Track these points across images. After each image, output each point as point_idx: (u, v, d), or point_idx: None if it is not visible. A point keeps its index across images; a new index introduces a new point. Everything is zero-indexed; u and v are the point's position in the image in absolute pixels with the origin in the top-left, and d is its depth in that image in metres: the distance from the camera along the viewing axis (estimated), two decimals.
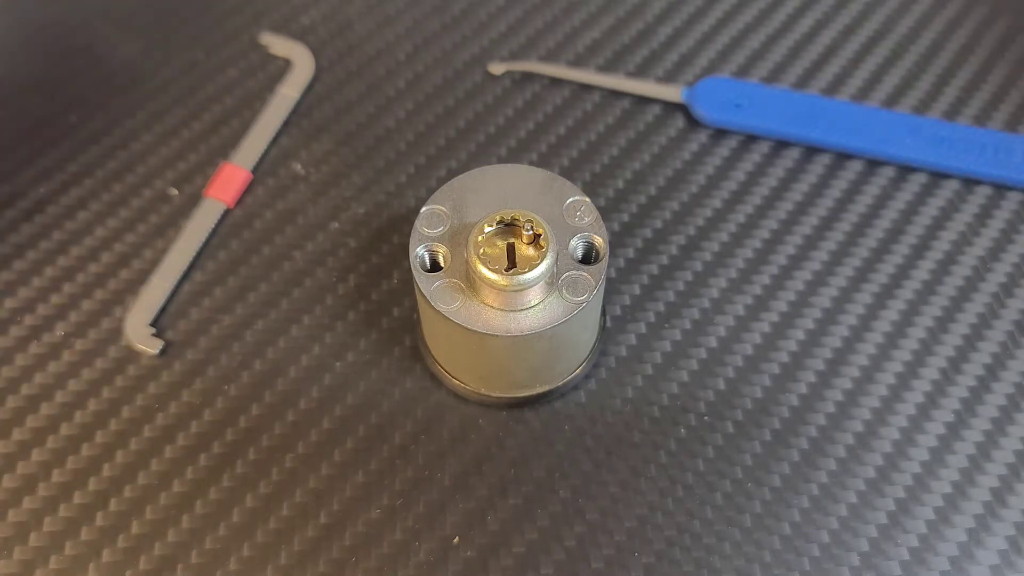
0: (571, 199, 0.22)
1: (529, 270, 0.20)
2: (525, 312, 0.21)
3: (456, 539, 0.22)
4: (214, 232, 0.27)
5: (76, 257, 0.27)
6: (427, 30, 0.32)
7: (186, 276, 0.27)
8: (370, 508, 0.23)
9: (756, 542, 0.22)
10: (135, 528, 0.23)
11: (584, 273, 0.21)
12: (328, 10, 0.32)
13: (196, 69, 0.31)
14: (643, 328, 0.26)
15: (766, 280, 0.27)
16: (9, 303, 0.26)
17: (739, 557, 0.22)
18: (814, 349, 0.25)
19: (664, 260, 0.27)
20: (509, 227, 0.21)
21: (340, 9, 0.32)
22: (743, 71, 0.31)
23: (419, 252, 0.22)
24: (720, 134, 0.30)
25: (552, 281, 0.21)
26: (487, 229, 0.21)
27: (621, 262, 0.27)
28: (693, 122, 0.30)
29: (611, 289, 0.26)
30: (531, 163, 0.29)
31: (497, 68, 0.31)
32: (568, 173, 0.29)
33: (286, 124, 0.30)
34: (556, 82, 0.31)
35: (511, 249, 0.21)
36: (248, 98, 0.30)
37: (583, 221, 0.22)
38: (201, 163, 0.29)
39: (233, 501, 0.23)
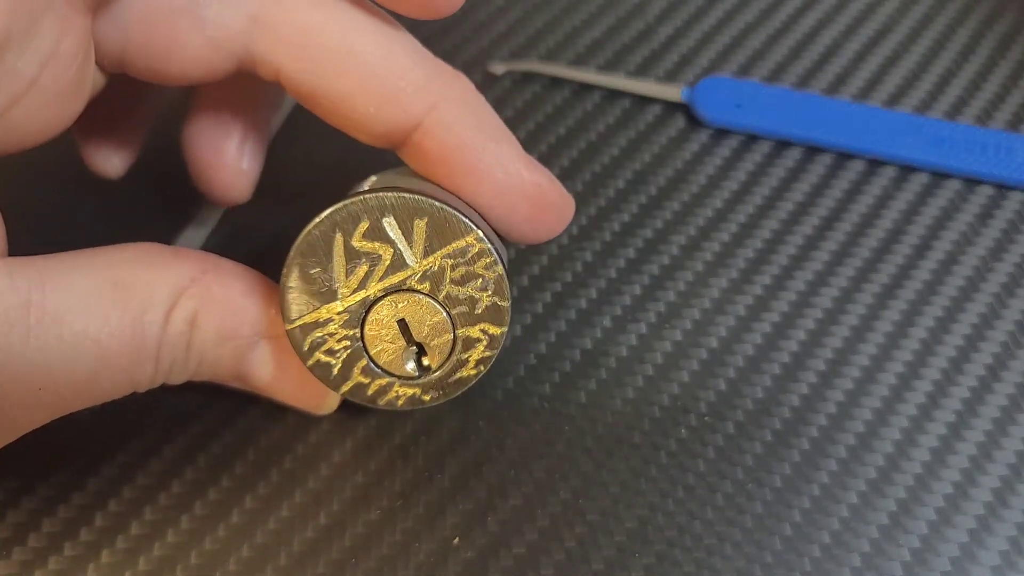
0: None
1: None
2: None
3: (456, 540, 0.22)
4: None
5: None
6: (427, 30, 0.32)
7: None
8: (370, 509, 0.23)
9: (757, 543, 0.22)
10: (134, 529, 0.23)
11: None
12: None
13: None
14: (644, 328, 0.26)
15: (767, 280, 0.26)
16: None
17: (740, 558, 0.22)
18: (815, 349, 0.25)
19: (665, 260, 0.27)
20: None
21: None
22: (744, 71, 0.31)
23: None
24: (721, 134, 0.29)
25: None
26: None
27: (622, 262, 0.27)
28: (694, 122, 0.30)
29: (612, 290, 0.26)
30: None
31: (497, 68, 0.31)
32: (568, 173, 0.29)
33: None
34: (556, 82, 0.31)
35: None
36: None
37: None
38: None
39: (232, 502, 0.23)
